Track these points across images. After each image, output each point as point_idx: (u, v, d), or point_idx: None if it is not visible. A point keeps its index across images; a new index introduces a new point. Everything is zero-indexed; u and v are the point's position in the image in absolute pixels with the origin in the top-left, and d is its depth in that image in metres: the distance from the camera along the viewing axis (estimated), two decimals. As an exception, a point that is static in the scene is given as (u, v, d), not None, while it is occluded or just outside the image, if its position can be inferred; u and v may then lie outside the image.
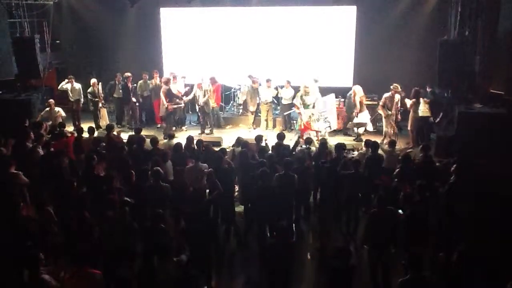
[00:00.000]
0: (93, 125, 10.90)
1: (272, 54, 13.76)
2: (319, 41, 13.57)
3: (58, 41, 14.41)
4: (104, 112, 12.62)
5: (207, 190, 6.93)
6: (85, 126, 9.83)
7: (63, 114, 11.11)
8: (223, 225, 7.49)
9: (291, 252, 5.43)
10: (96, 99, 12.33)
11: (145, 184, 6.66)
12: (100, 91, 12.44)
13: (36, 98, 11.70)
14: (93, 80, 12.45)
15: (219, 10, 14.00)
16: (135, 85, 12.61)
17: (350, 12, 13.26)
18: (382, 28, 12.80)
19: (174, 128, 11.98)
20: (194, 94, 12.11)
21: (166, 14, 14.37)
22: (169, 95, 11.78)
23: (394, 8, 12.74)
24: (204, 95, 11.88)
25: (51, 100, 11.21)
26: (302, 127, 11.06)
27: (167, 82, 11.97)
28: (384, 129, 10.93)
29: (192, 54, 14.18)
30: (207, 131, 12.11)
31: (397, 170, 7.39)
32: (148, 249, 5.36)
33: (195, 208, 6.19)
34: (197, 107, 12.31)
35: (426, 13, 12.55)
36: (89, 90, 12.34)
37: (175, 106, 11.96)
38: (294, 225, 7.56)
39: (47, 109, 11.02)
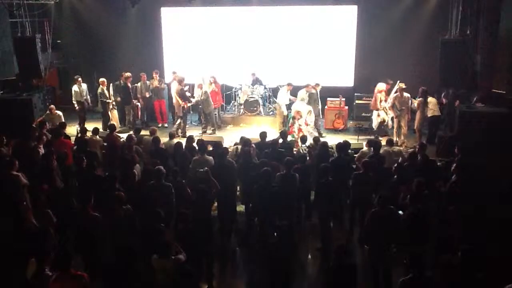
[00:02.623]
0: (99, 126, 10.47)
1: (273, 53, 13.77)
2: (320, 41, 13.57)
3: (59, 41, 14.42)
4: (114, 113, 12.41)
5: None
6: (90, 127, 9.78)
7: (62, 119, 10.96)
8: (224, 224, 7.51)
9: (292, 252, 5.42)
10: (107, 100, 12.16)
11: (147, 184, 6.67)
12: (111, 91, 12.29)
13: (37, 98, 11.70)
14: (102, 79, 12.18)
15: (220, 10, 14.00)
16: (135, 85, 12.60)
17: (351, 12, 13.26)
18: (383, 28, 12.80)
19: (175, 129, 11.96)
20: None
21: (167, 14, 14.38)
22: (182, 94, 11.77)
23: (395, 8, 12.74)
24: (202, 95, 11.89)
25: (52, 106, 11.17)
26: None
27: (181, 81, 11.91)
28: (395, 130, 10.95)
29: (193, 53, 14.18)
30: (209, 131, 12.12)
31: (395, 166, 7.33)
32: (147, 248, 5.34)
33: (196, 209, 6.19)
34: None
35: (427, 12, 12.56)
36: (99, 90, 12.17)
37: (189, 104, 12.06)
38: (295, 224, 7.59)
39: (48, 112, 10.98)
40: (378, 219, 5.79)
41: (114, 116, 12.37)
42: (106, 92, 12.16)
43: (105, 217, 5.78)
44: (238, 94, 13.33)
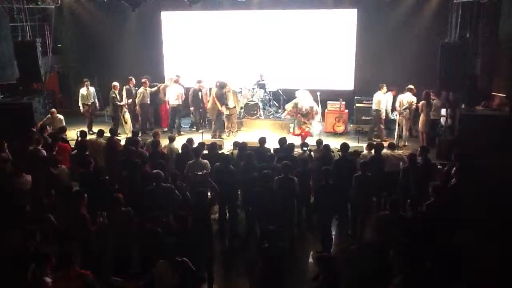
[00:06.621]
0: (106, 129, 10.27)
1: (273, 57, 13.80)
2: (320, 44, 13.60)
3: (59, 45, 14.46)
4: (128, 117, 12.25)
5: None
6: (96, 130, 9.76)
7: (64, 123, 10.74)
8: (224, 227, 7.49)
9: (282, 256, 5.31)
10: (119, 103, 12.05)
11: (148, 188, 6.66)
12: (124, 95, 12.17)
13: (37, 102, 11.70)
14: (114, 83, 12.09)
15: (220, 14, 14.03)
16: (136, 88, 12.53)
17: (350, 15, 13.31)
18: (382, 31, 12.83)
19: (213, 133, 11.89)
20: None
21: (167, 18, 14.41)
22: (221, 99, 11.71)
23: (394, 11, 12.75)
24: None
25: (54, 109, 11.14)
26: (297, 132, 11.02)
27: (223, 86, 11.73)
28: (397, 133, 10.92)
29: (193, 57, 14.21)
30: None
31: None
32: (152, 251, 5.31)
33: (195, 212, 6.18)
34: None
35: (426, 15, 12.57)
36: (111, 94, 12.04)
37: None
38: (295, 227, 7.58)
39: (49, 116, 10.97)
40: (386, 223, 5.77)
41: (126, 118, 12.28)
42: (118, 95, 12.11)
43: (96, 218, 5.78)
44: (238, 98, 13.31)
